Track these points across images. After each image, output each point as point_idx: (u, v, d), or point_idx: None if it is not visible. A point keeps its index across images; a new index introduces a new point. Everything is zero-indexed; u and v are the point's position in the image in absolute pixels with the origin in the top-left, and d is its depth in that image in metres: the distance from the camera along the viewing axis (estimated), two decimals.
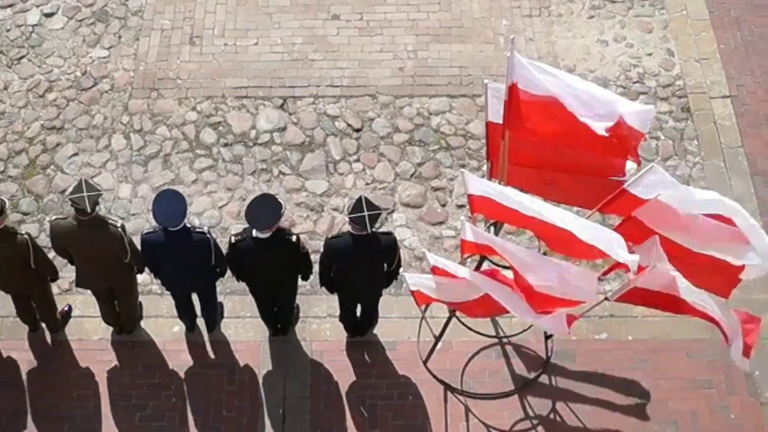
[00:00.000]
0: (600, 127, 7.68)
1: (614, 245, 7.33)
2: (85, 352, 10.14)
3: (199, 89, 12.07)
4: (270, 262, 9.07)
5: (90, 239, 9.03)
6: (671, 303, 8.19)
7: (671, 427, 9.76)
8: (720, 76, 12.31)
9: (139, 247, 9.27)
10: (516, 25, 12.70)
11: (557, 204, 8.30)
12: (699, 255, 7.75)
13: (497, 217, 8.31)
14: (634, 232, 7.65)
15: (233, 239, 9.07)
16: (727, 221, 7.48)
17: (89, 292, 9.90)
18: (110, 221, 9.11)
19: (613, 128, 7.69)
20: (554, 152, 8.13)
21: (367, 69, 12.25)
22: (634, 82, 12.18)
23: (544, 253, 8.81)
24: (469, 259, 8.73)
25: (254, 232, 8.86)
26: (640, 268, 7.76)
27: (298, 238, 9.08)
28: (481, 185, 7.82)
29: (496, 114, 8.12)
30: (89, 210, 8.77)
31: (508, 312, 8.29)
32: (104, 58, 12.33)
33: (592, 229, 7.45)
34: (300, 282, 9.72)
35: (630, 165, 8.04)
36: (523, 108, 7.76)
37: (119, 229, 9.08)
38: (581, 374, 10.06)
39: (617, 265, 7.66)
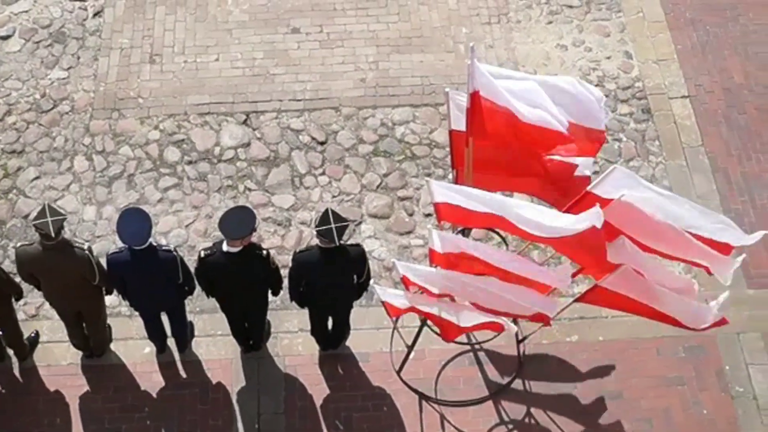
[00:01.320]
0: (558, 126, 7.79)
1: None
2: (54, 378, 10.04)
3: (160, 108, 12.02)
4: (240, 277, 9.04)
5: (57, 264, 8.96)
6: (635, 307, 8.32)
7: (645, 426, 9.82)
8: (678, 76, 12.43)
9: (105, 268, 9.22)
10: (476, 33, 12.76)
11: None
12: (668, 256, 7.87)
13: (464, 223, 8.34)
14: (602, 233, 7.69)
15: (203, 253, 9.04)
16: (705, 241, 7.59)
17: (56, 316, 9.82)
18: (76, 245, 9.06)
19: (568, 131, 7.83)
20: (518, 158, 8.19)
21: (329, 81, 12.26)
22: (594, 86, 12.17)
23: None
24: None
25: (224, 247, 8.84)
26: (609, 267, 7.83)
27: (268, 253, 9.07)
28: (446, 191, 7.83)
29: (459, 122, 8.16)
30: (54, 235, 8.69)
31: (481, 323, 8.37)
32: (63, 79, 12.26)
33: (562, 218, 7.50)
34: (270, 297, 9.70)
35: (585, 162, 8.11)
36: (485, 115, 7.80)
37: (86, 252, 9.02)
38: (554, 377, 10.11)
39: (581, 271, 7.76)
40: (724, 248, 7.74)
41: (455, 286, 8.26)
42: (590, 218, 7.21)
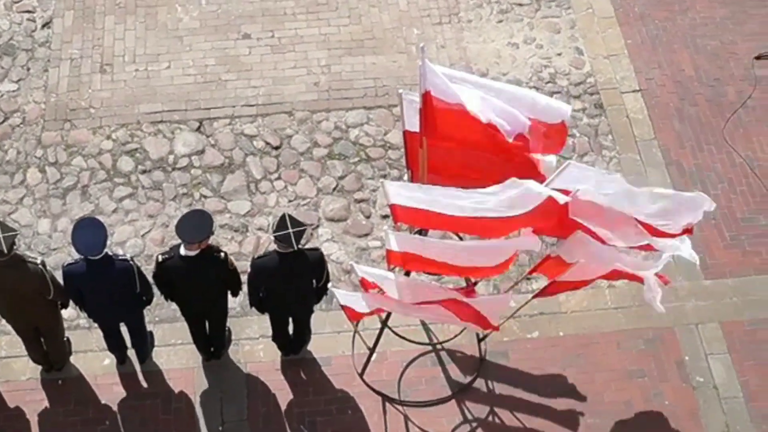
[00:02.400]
0: (510, 134, 7.82)
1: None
2: (13, 394, 9.93)
3: (113, 117, 11.93)
4: (199, 280, 9.01)
5: (10, 280, 8.84)
6: (590, 281, 8.46)
7: (608, 419, 9.88)
8: (629, 71, 12.52)
9: (60, 280, 9.13)
10: (427, 34, 12.79)
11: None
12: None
13: (420, 224, 8.35)
14: (558, 227, 7.74)
15: (160, 258, 9.01)
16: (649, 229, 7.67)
17: (14, 331, 9.72)
18: (29, 259, 8.95)
19: (528, 131, 7.84)
20: (472, 158, 8.21)
21: (281, 86, 12.23)
22: (546, 83, 12.34)
23: None
24: (396, 269, 8.77)
25: (182, 251, 8.80)
26: (565, 264, 7.90)
27: (226, 255, 9.05)
28: (401, 192, 7.84)
29: (413, 123, 8.16)
30: (6, 251, 8.59)
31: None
32: (13, 91, 12.14)
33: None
34: (230, 304, 9.66)
35: (550, 158, 8.14)
36: (438, 115, 7.81)
37: (39, 266, 8.92)
38: (516, 373, 10.14)
39: (542, 265, 7.80)
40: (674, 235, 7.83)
41: (410, 294, 8.30)
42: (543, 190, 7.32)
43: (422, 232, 9.22)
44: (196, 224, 8.75)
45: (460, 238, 10.21)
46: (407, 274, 9.00)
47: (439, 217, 7.72)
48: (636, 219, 7.62)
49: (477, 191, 7.57)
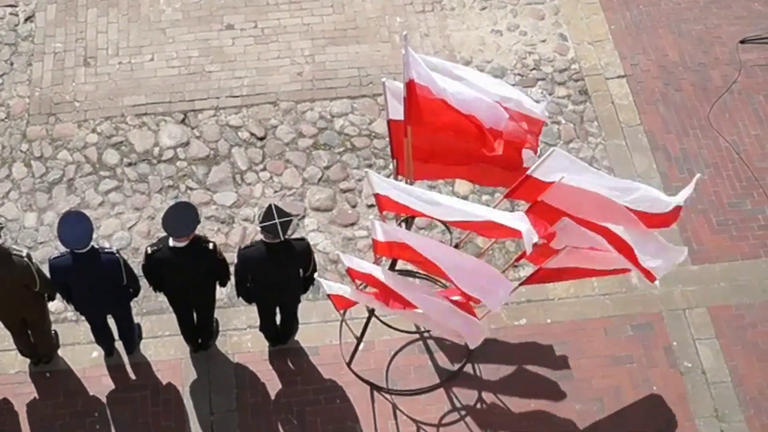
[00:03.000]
0: (491, 124, 7.85)
1: (516, 222, 7.46)
2: (2, 387, 9.91)
3: (97, 110, 11.89)
4: (188, 271, 9.00)
5: None
6: (580, 273, 8.46)
7: (596, 405, 9.91)
8: (613, 56, 12.52)
9: (47, 273, 9.11)
10: (410, 22, 12.77)
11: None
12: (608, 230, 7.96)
13: (404, 212, 8.35)
14: (543, 216, 7.75)
15: (149, 250, 9.00)
16: (639, 215, 7.68)
17: (2, 325, 9.70)
18: (14, 252, 8.92)
19: (508, 122, 7.87)
20: (456, 146, 8.21)
21: (265, 76, 12.20)
22: (531, 69, 12.33)
23: (456, 246, 8.93)
24: (383, 259, 8.77)
25: (171, 242, 8.80)
26: (551, 250, 7.90)
27: (215, 246, 9.04)
28: (385, 184, 7.84)
29: (397, 112, 8.15)
30: None
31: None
32: None
33: (496, 216, 7.53)
34: (218, 294, 9.65)
35: (527, 154, 8.15)
36: (422, 103, 7.81)
37: (25, 259, 8.90)
38: (504, 361, 10.16)
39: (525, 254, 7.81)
40: (667, 218, 7.82)
41: (395, 288, 8.32)
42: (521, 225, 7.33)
43: (409, 221, 9.23)
44: (183, 218, 8.74)
45: (449, 230, 10.25)
46: (393, 264, 9.01)
47: (421, 215, 7.75)
48: (626, 207, 7.63)
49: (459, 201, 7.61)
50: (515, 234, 7.50)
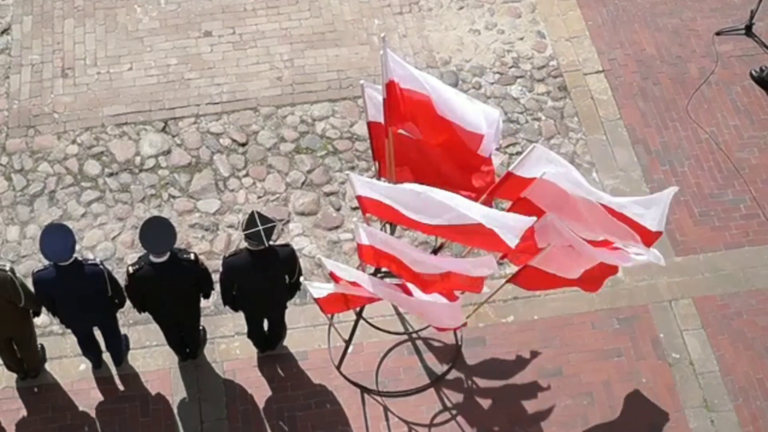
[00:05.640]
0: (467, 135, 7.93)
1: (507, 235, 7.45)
2: None
3: (77, 121, 11.85)
4: (173, 285, 8.97)
5: None
6: (567, 282, 8.47)
7: (586, 399, 9.93)
8: (591, 52, 12.56)
9: (31, 287, 9.07)
10: (388, 24, 12.78)
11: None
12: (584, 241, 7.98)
13: (387, 217, 8.34)
14: (527, 213, 7.76)
15: (131, 269, 8.94)
16: (618, 216, 7.69)
17: None
18: None
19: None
20: (435, 147, 8.24)
21: (245, 82, 12.18)
22: (510, 67, 12.36)
23: (441, 246, 8.94)
24: (367, 267, 8.78)
25: (151, 258, 8.76)
26: (536, 249, 7.92)
27: (196, 256, 9.01)
28: (367, 186, 7.84)
29: (377, 113, 8.17)
30: None
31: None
32: None
33: (482, 216, 7.52)
34: (203, 303, 9.63)
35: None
36: (402, 103, 7.83)
37: (8, 273, 8.84)
38: (493, 358, 10.17)
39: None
40: (645, 233, 7.80)
41: (377, 293, 8.33)
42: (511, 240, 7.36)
43: (392, 224, 9.24)
44: (161, 234, 8.69)
45: None
46: (377, 271, 8.99)
47: (402, 216, 7.72)
48: (604, 205, 7.65)
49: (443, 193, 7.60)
50: (499, 246, 7.48)
